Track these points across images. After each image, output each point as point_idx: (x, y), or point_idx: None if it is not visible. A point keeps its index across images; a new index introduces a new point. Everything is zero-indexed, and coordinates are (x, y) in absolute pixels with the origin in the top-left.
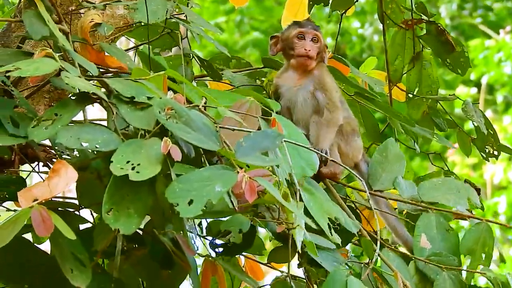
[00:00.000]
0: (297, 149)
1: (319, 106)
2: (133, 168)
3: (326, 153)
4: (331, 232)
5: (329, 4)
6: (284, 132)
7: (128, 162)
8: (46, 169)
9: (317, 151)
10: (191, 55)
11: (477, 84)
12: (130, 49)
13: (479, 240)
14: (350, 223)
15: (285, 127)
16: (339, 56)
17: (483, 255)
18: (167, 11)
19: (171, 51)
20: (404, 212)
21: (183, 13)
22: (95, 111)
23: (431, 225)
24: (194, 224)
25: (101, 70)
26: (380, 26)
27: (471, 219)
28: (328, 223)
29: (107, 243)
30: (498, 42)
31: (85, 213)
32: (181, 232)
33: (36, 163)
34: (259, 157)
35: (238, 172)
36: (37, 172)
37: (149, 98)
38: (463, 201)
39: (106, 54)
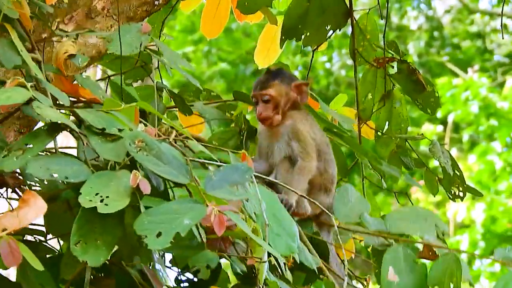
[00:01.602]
0: (279, 220)
1: (293, 154)
2: (102, 201)
3: (291, 206)
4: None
5: (301, 40)
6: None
7: (97, 194)
8: (14, 195)
9: (283, 201)
10: (164, 88)
11: (443, 122)
12: (102, 79)
13: (446, 271)
14: (310, 260)
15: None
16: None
17: (451, 286)
18: (141, 44)
19: (142, 81)
20: (369, 248)
21: (154, 44)
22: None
23: (398, 257)
24: (164, 257)
25: (73, 100)
26: (348, 61)
27: (439, 250)
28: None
29: (75, 273)
30: (466, 80)
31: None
32: (149, 264)
33: (5, 189)
34: (228, 191)
35: (207, 205)
36: (6, 199)
37: (120, 130)
38: (431, 229)
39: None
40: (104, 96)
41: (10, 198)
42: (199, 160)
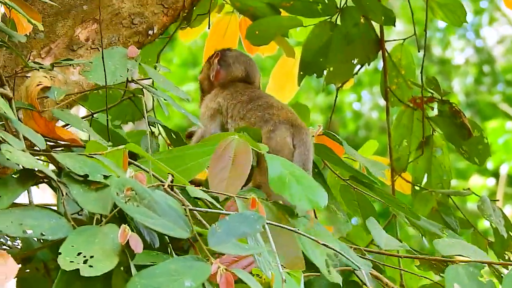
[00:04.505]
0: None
1: None
2: (85, 261)
3: None
4: None
5: (323, 76)
6: (282, 170)
7: (79, 254)
8: None
9: None
10: (157, 125)
11: (495, 174)
12: (84, 117)
13: None
14: None
15: (284, 166)
16: (332, 133)
17: None
18: (128, 70)
19: (133, 124)
20: None
21: (149, 78)
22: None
23: (461, 275)
24: None
25: (50, 143)
26: (380, 101)
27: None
28: None
29: None
30: None
31: None
32: None
33: None
34: (236, 245)
35: (212, 263)
36: None
37: (105, 177)
38: (483, 255)
39: (56, 125)
40: (87, 129)
41: None
42: (201, 209)
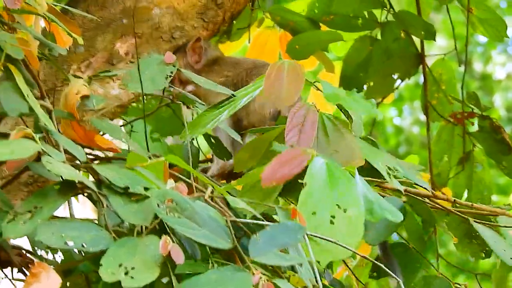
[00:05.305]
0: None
1: None
2: (126, 273)
3: None
4: None
5: (363, 90)
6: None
7: (120, 265)
8: (21, 275)
9: None
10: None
11: None
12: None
13: None
14: None
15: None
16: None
17: None
18: (167, 77)
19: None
20: None
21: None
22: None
23: None
24: None
25: (90, 156)
26: (421, 116)
27: None
28: None
29: None
30: None
31: None
32: None
33: (9, 268)
34: (278, 256)
35: (253, 273)
36: (10, 280)
37: (146, 188)
38: None
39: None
40: (127, 140)
41: (16, 279)
42: (242, 220)
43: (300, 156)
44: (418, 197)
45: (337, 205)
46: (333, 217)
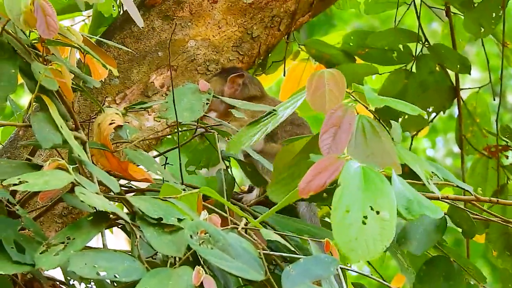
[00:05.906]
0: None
1: None
2: None
3: None
4: None
5: (398, 123)
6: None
7: None
8: None
9: None
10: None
11: None
12: (156, 156)
13: None
14: None
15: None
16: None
17: None
18: (204, 105)
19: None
20: None
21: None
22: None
23: None
24: None
25: (124, 188)
26: (454, 148)
27: None
28: None
29: None
30: None
31: None
32: None
33: None
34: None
35: None
36: None
37: (179, 220)
38: None
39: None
40: (161, 171)
41: None
42: (275, 253)
43: (335, 163)
44: (458, 205)
45: (370, 206)
46: (365, 217)
